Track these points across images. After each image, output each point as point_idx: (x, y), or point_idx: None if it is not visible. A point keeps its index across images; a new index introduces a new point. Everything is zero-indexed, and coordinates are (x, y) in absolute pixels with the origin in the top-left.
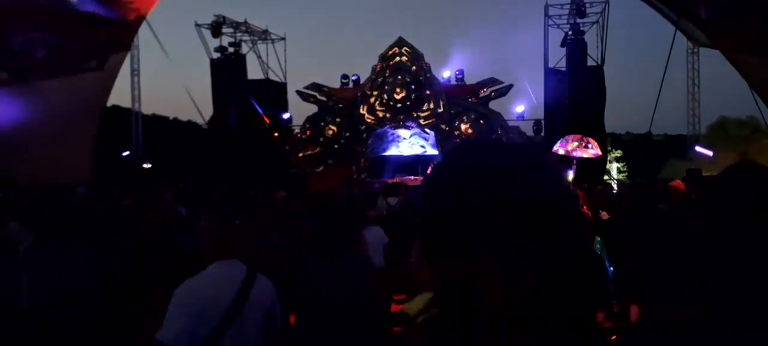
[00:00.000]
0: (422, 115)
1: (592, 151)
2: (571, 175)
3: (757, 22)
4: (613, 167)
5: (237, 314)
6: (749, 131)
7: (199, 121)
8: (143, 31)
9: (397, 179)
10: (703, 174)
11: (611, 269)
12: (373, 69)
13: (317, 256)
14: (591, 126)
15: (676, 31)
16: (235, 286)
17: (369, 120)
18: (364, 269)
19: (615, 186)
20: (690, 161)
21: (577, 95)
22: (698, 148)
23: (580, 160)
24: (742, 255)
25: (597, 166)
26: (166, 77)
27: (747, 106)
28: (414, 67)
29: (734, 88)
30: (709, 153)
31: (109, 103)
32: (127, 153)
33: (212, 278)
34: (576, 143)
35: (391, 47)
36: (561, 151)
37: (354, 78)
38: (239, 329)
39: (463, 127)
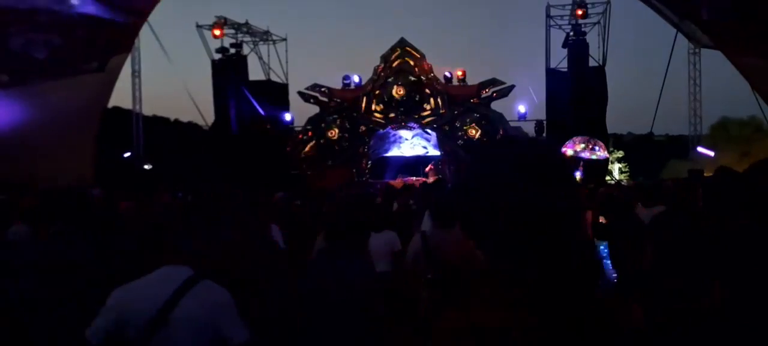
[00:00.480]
0: (424, 115)
1: (599, 153)
2: (578, 176)
3: (759, 23)
4: (615, 168)
5: (163, 322)
6: (751, 131)
7: (200, 122)
8: (144, 32)
9: (399, 180)
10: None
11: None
12: (375, 70)
13: (318, 257)
14: (593, 126)
15: (677, 32)
16: (168, 292)
17: (371, 121)
18: (366, 272)
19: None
20: (692, 162)
21: (578, 96)
22: (700, 149)
23: (587, 161)
24: (744, 254)
25: (601, 167)
26: (166, 78)
27: (749, 107)
28: (416, 68)
29: (736, 88)
30: (711, 154)
31: (110, 104)
32: (127, 154)
33: (150, 282)
34: (583, 145)
35: (392, 48)
36: (569, 152)
37: (356, 79)
38: (166, 337)
39: (465, 128)
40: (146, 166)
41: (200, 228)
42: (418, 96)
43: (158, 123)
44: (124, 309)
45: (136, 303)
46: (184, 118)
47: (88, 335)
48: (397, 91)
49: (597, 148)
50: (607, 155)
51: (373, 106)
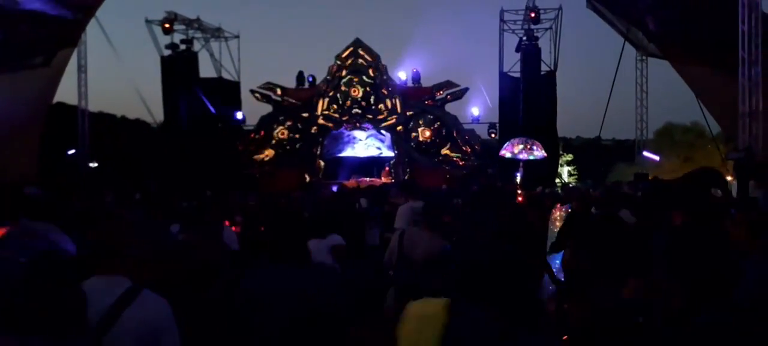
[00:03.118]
0: (379, 116)
1: (537, 152)
2: (519, 177)
3: (702, 33)
4: (564, 171)
5: (103, 335)
6: (693, 137)
7: (148, 119)
8: (91, 26)
9: (353, 180)
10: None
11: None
12: (330, 70)
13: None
14: (543, 130)
15: (625, 41)
16: (106, 303)
17: (324, 121)
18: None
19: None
20: (638, 165)
21: (530, 99)
22: (646, 153)
23: (527, 162)
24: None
25: (548, 169)
26: (114, 74)
27: (692, 113)
28: (370, 69)
29: (680, 95)
30: (656, 158)
31: (54, 100)
32: (72, 152)
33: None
34: (521, 146)
35: (347, 48)
36: (507, 155)
37: (309, 78)
38: None
39: (419, 129)
40: (92, 164)
41: (149, 230)
42: (372, 97)
43: (104, 120)
44: None
45: None
46: (132, 116)
47: None
48: (352, 92)
49: (535, 148)
50: (545, 154)
51: (328, 107)
